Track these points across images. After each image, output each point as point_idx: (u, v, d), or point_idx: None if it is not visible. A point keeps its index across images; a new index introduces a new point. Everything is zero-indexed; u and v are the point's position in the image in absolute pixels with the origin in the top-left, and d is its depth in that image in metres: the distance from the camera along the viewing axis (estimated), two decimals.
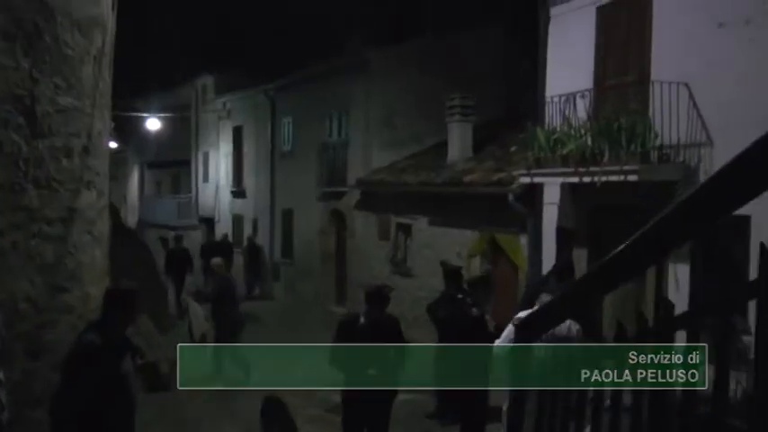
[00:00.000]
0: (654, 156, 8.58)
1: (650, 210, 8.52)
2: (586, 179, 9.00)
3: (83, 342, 4.86)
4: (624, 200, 9.03)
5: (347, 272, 18.39)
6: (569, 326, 5.74)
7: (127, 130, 32.32)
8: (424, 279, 13.83)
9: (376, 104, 17.38)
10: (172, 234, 23.19)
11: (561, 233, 10.56)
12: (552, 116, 10.06)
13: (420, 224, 14.95)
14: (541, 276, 9.69)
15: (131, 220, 34.17)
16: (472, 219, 13.02)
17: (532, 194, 11.16)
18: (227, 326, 10.60)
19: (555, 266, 8.49)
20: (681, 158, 8.57)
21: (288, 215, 21.87)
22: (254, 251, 22.57)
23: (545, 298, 5.81)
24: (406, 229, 15.63)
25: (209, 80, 28.04)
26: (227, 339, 10.42)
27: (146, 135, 31.57)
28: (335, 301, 18.64)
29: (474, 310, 7.62)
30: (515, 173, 11.15)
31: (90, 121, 5.83)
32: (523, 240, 11.68)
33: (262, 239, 23.11)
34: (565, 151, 9.36)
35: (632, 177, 8.37)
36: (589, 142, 9.08)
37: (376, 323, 6.68)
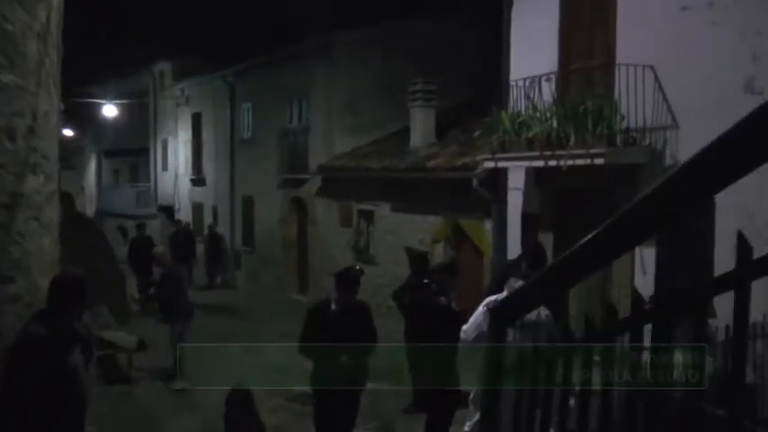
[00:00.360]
0: (620, 139, 8.52)
1: (616, 193, 8.49)
2: (552, 163, 8.91)
3: (28, 333, 4.60)
4: (590, 183, 8.97)
5: (309, 259, 18.16)
6: (539, 311, 5.63)
7: (83, 117, 31.64)
8: (387, 266, 13.67)
9: (337, 90, 17.09)
10: (131, 223, 22.72)
11: (526, 218, 10.49)
12: (517, 100, 9.95)
13: (383, 210, 14.78)
14: (509, 260, 9.60)
15: (89, 209, 33.54)
16: (436, 204, 12.89)
17: (497, 179, 11.07)
18: (177, 318, 10.30)
19: (526, 251, 8.40)
20: (647, 141, 8.52)
21: (248, 203, 21.54)
22: (215, 240, 22.19)
23: (514, 282, 5.70)
24: (368, 216, 15.44)
25: (167, 66, 27.48)
26: (179, 331, 10.16)
27: (103, 123, 30.96)
28: (298, 290, 18.42)
29: (442, 299, 7.48)
30: (479, 158, 11.03)
31: (35, 100, 5.50)
32: (488, 225, 11.58)
33: (222, 227, 22.74)
34: (530, 134, 9.25)
35: (598, 160, 8.31)
36: (555, 125, 8.99)
37: (347, 309, 6.52)
